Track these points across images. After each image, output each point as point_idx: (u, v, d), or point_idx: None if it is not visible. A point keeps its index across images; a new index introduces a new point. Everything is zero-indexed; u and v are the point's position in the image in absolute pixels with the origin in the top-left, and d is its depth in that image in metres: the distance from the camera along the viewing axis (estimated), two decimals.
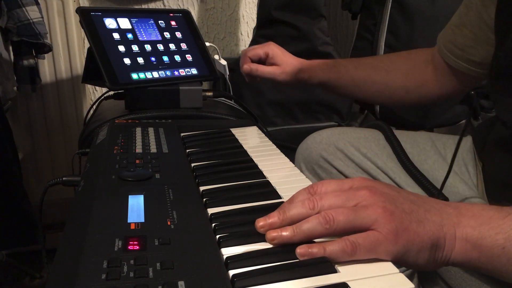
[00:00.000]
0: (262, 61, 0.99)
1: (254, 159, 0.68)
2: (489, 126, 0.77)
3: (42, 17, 1.32)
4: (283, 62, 0.96)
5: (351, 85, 0.94)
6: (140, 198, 0.50)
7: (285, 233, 0.43)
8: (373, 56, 0.96)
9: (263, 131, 0.88)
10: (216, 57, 1.25)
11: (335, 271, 0.40)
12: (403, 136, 0.86)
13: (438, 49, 0.85)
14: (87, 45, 1.36)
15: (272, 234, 0.43)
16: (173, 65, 1.02)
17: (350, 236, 0.42)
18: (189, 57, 1.06)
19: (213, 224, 0.48)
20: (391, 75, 0.91)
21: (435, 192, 0.74)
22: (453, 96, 0.91)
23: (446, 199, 0.74)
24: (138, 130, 0.78)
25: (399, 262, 0.43)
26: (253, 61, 0.99)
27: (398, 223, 0.42)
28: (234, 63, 1.53)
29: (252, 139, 0.82)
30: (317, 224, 0.43)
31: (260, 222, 0.44)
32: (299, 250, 0.42)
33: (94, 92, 1.66)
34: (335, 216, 0.42)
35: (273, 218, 0.45)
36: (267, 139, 0.81)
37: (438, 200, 0.48)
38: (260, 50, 0.98)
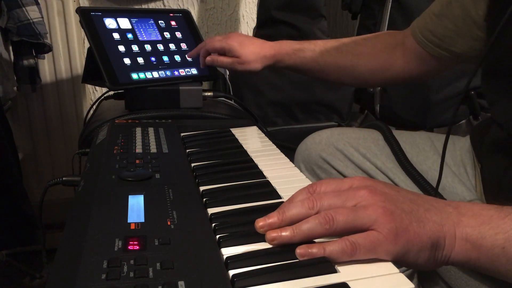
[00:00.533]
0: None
1: (254, 159, 0.68)
2: (486, 127, 0.77)
3: (42, 17, 1.32)
4: (242, 54, 0.97)
5: (317, 69, 0.96)
6: (140, 198, 0.50)
7: (285, 233, 0.43)
8: (339, 39, 0.96)
9: (263, 131, 0.88)
10: None
11: (335, 271, 0.40)
12: (402, 136, 0.86)
13: (413, 34, 0.85)
14: (87, 45, 1.36)
15: (271, 234, 0.43)
16: (173, 65, 1.02)
17: (350, 236, 0.42)
18: (189, 57, 1.06)
19: (213, 224, 0.48)
20: (358, 58, 0.92)
21: (433, 192, 0.74)
22: (419, 79, 0.94)
23: (443, 199, 0.74)
24: (138, 130, 0.78)
25: (399, 262, 0.43)
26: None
27: (398, 223, 0.42)
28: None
29: (252, 139, 0.82)
30: (317, 224, 0.43)
31: (260, 223, 0.44)
32: (299, 250, 0.42)
33: (94, 92, 1.66)
34: (334, 216, 0.42)
35: (273, 218, 0.44)
36: (267, 139, 0.81)
37: (438, 199, 0.47)
38: (217, 44, 0.99)
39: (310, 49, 0.95)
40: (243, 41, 0.99)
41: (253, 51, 0.97)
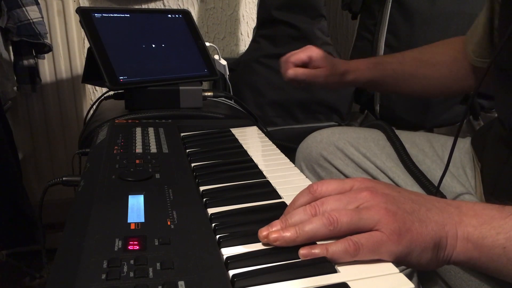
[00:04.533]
0: (305, 65, 0.95)
1: (254, 159, 0.68)
2: (488, 128, 0.77)
3: (42, 17, 1.32)
4: (328, 64, 0.92)
5: (397, 81, 0.93)
6: (140, 198, 0.50)
7: (288, 234, 0.43)
8: (415, 49, 0.94)
9: (263, 131, 0.88)
10: (216, 57, 1.25)
11: (335, 271, 0.40)
12: (402, 136, 0.86)
13: (465, 45, 0.84)
14: (87, 45, 1.36)
15: (274, 235, 0.43)
16: (173, 65, 1.02)
17: (353, 237, 0.42)
18: (189, 57, 1.06)
19: (213, 224, 0.48)
20: (437, 68, 0.90)
21: (434, 190, 0.74)
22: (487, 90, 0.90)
23: (444, 197, 0.74)
24: (138, 130, 0.78)
25: (401, 263, 0.43)
26: (296, 66, 0.95)
27: (401, 224, 0.42)
28: (234, 63, 1.53)
29: (252, 139, 0.82)
30: (320, 226, 0.43)
31: (263, 232, 0.44)
32: (302, 251, 0.42)
33: (94, 92, 1.66)
34: (338, 217, 0.42)
35: (276, 227, 0.44)
36: (267, 139, 0.81)
37: (439, 198, 0.47)
38: (302, 54, 0.94)
39: (388, 61, 0.93)
40: (325, 53, 0.94)
41: (336, 63, 0.93)
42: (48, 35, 1.37)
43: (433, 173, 0.81)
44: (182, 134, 0.82)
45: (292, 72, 0.93)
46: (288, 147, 0.90)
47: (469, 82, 0.88)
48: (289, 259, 0.41)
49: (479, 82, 0.67)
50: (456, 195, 0.77)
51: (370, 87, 0.96)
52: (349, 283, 0.38)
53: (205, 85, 1.50)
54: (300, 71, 0.93)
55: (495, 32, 0.77)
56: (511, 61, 0.65)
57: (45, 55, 1.42)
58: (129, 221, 0.45)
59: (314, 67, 0.93)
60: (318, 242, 0.43)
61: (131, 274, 0.37)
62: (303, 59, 0.94)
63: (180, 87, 0.97)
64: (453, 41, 0.92)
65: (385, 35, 1.41)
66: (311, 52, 0.93)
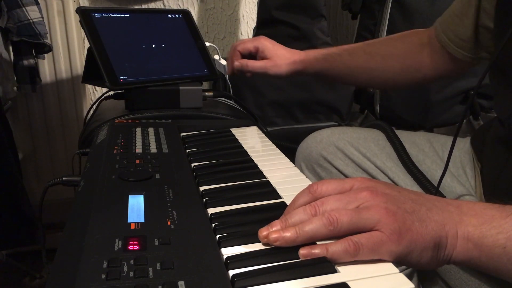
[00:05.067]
0: (253, 55, 0.97)
1: (254, 159, 0.68)
2: (487, 128, 0.77)
3: (42, 17, 1.32)
4: (274, 55, 0.94)
5: (347, 73, 0.94)
6: (140, 198, 0.50)
7: (288, 234, 0.43)
8: (367, 42, 0.94)
9: (263, 131, 0.88)
10: (216, 57, 1.25)
11: (335, 271, 0.40)
12: (402, 136, 0.86)
13: (436, 34, 0.84)
14: (87, 45, 1.36)
15: (274, 235, 0.43)
16: (173, 65, 1.02)
17: (353, 236, 0.42)
18: (189, 57, 1.06)
19: (213, 224, 0.48)
20: (387, 60, 0.91)
21: (433, 190, 0.74)
22: (447, 77, 0.92)
23: (443, 197, 0.74)
24: (138, 130, 0.78)
25: (401, 262, 0.43)
26: (243, 56, 0.97)
27: (401, 223, 0.42)
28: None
29: (252, 139, 0.82)
30: (321, 226, 0.43)
31: (263, 232, 0.44)
32: (302, 251, 0.42)
33: (94, 92, 1.66)
34: (338, 217, 0.42)
35: (276, 227, 0.44)
36: (267, 139, 0.81)
37: (439, 198, 0.47)
38: (250, 44, 0.96)
39: (338, 53, 0.93)
40: (275, 44, 0.96)
41: (285, 54, 0.94)
42: (48, 35, 1.37)
43: (433, 173, 0.81)
44: (182, 134, 0.82)
45: (238, 63, 0.95)
46: (288, 147, 0.90)
47: (422, 75, 0.89)
48: (289, 259, 0.41)
49: (479, 83, 0.67)
50: (456, 195, 0.77)
51: (319, 78, 0.97)
52: (349, 283, 0.38)
53: (205, 85, 1.50)
54: (245, 62, 0.95)
55: (480, 28, 0.76)
56: (509, 61, 0.65)
57: (45, 55, 1.41)
58: (129, 221, 0.45)
59: (260, 58, 0.95)
60: (318, 242, 0.43)
61: (131, 274, 0.37)
62: (250, 49, 0.96)
63: (180, 87, 0.97)
64: (410, 33, 0.92)
65: (385, 35, 1.41)
66: (258, 43, 0.95)
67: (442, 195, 0.74)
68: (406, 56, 0.89)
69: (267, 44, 0.95)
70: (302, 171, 0.65)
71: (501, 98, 0.69)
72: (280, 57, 0.94)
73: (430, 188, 0.75)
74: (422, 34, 0.90)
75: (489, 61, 0.66)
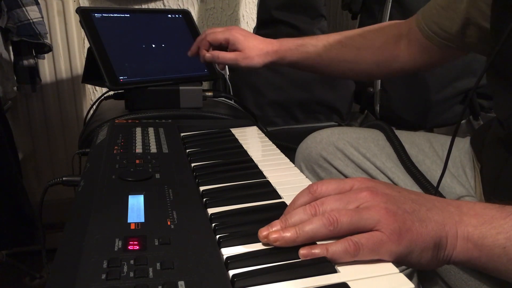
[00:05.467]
0: (224, 46, 0.96)
1: (254, 159, 0.68)
2: (487, 128, 0.77)
3: (42, 17, 1.32)
4: (245, 47, 0.92)
5: (321, 64, 0.93)
6: (140, 198, 0.50)
7: (288, 234, 0.43)
8: (344, 33, 0.93)
9: (263, 131, 0.88)
10: None
11: (335, 271, 0.40)
12: (402, 136, 0.86)
13: (418, 26, 0.84)
14: (87, 45, 1.36)
15: (274, 235, 0.43)
16: (173, 65, 1.02)
17: (353, 237, 0.42)
18: (189, 57, 1.06)
19: (213, 224, 0.48)
20: (362, 52, 0.90)
21: (433, 191, 0.74)
22: (424, 70, 0.92)
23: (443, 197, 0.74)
24: (138, 130, 0.78)
25: (401, 262, 0.43)
26: (214, 47, 0.96)
27: (401, 224, 0.42)
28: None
29: (252, 139, 0.82)
30: (321, 226, 0.43)
31: (263, 232, 0.44)
32: (302, 251, 0.42)
33: (94, 92, 1.66)
34: (338, 217, 0.42)
35: (276, 227, 0.44)
36: (267, 139, 0.81)
37: (439, 198, 0.47)
38: (220, 35, 0.94)
39: (313, 44, 0.93)
40: (247, 35, 0.94)
41: (257, 45, 0.93)
42: (48, 35, 1.37)
43: (433, 173, 0.81)
44: (182, 134, 0.82)
45: (209, 55, 0.94)
46: (288, 147, 0.90)
47: (398, 66, 0.89)
48: (289, 259, 0.41)
49: (477, 82, 0.67)
50: (456, 196, 0.77)
51: (293, 67, 0.97)
52: (349, 283, 0.38)
53: (205, 85, 1.50)
54: (216, 53, 0.93)
55: (470, 26, 0.76)
56: (506, 62, 0.65)
57: (45, 55, 1.41)
58: (129, 221, 0.45)
59: (232, 50, 0.93)
60: (318, 242, 0.43)
61: (131, 274, 0.37)
62: (220, 41, 0.94)
63: (180, 87, 0.97)
64: (388, 25, 0.92)
65: None
66: (229, 35, 0.93)
67: (441, 195, 0.74)
68: (382, 48, 0.89)
69: (238, 36, 0.93)
70: (301, 171, 0.65)
71: (500, 99, 0.69)
72: (252, 49, 0.93)
73: (430, 188, 0.75)
74: (400, 26, 0.90)
75: (486, 61, 0.65)
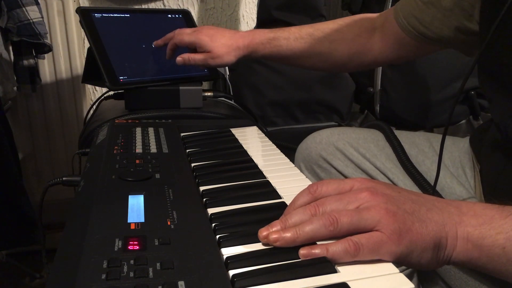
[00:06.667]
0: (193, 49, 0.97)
1: (254, 159, 0.68)
2: (486, 129, 0.77)
3: (42, 17, 1.32)
4: (213, 47, 0.93)
5: (293, 57, 0.94)
6: (140, 198, 0.50)
7: (288, 234, 0.43)
8: (316, 26, 0.94)
9: (263, 131, 0.88)
10: None
11: (335, 271, 0.40)
12: (401, 136, 0.86)
13: (396, 18, 0.84)
14: (87, 45, 1.36)
15: (274, 235, 0.43)
16: (173, 65, 1.02)
17: (353, 237, 0.42)
18: None
19: (213, 224, 0.48)
20: (334, 44, 0.91)
21: (431, 191, 0.74)
22: (396, 62, 0.93)
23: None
24: (138, 130, 0.78)
25: (401, 263, 0.43)
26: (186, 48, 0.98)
27: (401, 224, 0.42)
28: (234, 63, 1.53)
29: (252, 139, 0.82)
30: (321, 226, 0.43)
31: (263, 232, 0.44)
32: (302, 251, 0.42)
33: (94, 92, 1.66)
34: (338, 217, 0.42)
35: (276, 227, 0.44)
36: (267, 139, 0.81)
37: (439, 198, 0.47)
38: (186, 39, 0.95)
39: (284, 37, 0.93)
40: (214, 34, 0.95)
41: (225, 43, 0.94)
42: (48, 35, 1.37)
43: (433, 174, 0.80)
44: (182, 134, 0.82)
45: (180, 59, 0.95)
46: (288, 147, 0.90)
47: (371, 59, 0.89)
48: (289, 259, 0.41)
49: (463, 82, 0.67)
50: (455, 197, 0.77)
51: (267, 60, 0.98)
52: (349, 283, 0.38)
53: (205, 85, 1.50)
54: (187, 56, 0.94)
55: (454, 28, 0.76)
56: (496, 65, 0.65)
57: (45, 55, 1.41)
58: (129, 221, 0.45)
59: (201, 51, 0.94)
60: (318, 242, 0.43)
61: (131, 274, 0.37)
62: (186, 44, 0.95)
63: (180, 87, 0.97)
64: (361, 18, 0.93)
65: None
66: (195, 39, 0.94)
67: (439, 195, 0.74)
68: (355, 40, 0.90)
69: (203, 38, 0.94)
70: (301, 171, 0.65)
71: (495, 103, 0.69)
72: (220, 48, 0.93)
73: (429, 189, 0.75)
74: (374, 19, 0.91)
75: (473, 62, 0.65)
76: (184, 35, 0.96)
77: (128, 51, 0.97)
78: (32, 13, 1.28)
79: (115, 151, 0.66)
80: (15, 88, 1.39)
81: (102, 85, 0.99)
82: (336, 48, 0.91)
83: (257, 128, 0.89)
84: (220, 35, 0.95)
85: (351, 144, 0.86)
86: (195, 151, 0.73)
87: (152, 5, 1.63)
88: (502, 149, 0.68)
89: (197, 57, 0.94)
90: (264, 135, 0.85)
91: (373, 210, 0.43)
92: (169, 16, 1.10)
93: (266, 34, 0.95)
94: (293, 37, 0.93)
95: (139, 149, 0.68)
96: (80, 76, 1.48)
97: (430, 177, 0.79)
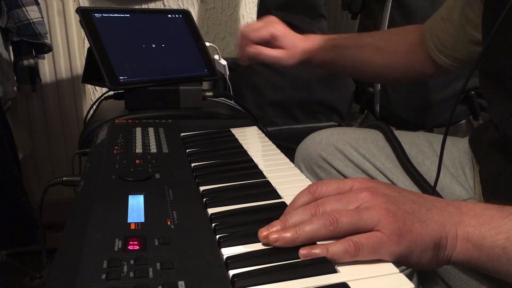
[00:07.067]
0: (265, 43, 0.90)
1: (254, 159, 0.68)
2: (485, 129, 0.77)
3: (42, 17, 1.32)
4: (291, 45, 0.87)
5: (353, 66, 0.92)
6: (140, 198, 0.50)
7: (288, 234, 0.43)
8: (372, 34, 0.92)
9: (263, 131, 0.88)
10: (216, 57, 1.25)
11: (335, 271, 0.40)
12: (401, 136, 0.86)
13: (423, 37, 0.84)
14: (87, 45, 1.36)
15: (274, 235, 0.43)
16: (173, 65, 1.02)
17: (353, 237, 0.42)
18: (189, 57, 1.06)
19: (213, 224, 0.48)
20: (392, 56, 0.90)
21: (431, 192, 0.74)
22: (437, 77, 0.91)
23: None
24: (138, 130, 0.78)
25: (402, 263, 0.43)
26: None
27: (401, 224, 0.42)
28: (234, 63, 1.53)
29: (252, 139, 0.82)
30: (321, 226, 0.43)
31: (263, 232, 0.44)
32: (302, 251, 0.42)
33: (94, 92, 1.66)
34: (338, 217, 0.42)
35: (276, 227, 0.44)
36: (267, 139, 0.81)
37: (439, 198, 0.47)
38: (264, 31, 0.87)
39: (345, 45, 0.90)
40: (286, 29, 0.89)
41: (296, 43, 0.89)
42: (48, 35, 1.37)
43: (433, 174, 0.80)
44: (182, 134, 0.82)
45: (254, 50, 0.87)
46: (288, 147, 0.90)
47: (425, 71, 0.88)
48: (289, 259, 0.41)
49: (463, 86, 0.67)
50: (455, 197, 0.77)
51: (323, 67, 0.93)
52: (349, 283, 0.38)
53: (205, 85, 1.50)
54: (260, 50, 0.87)
55: (464, 39, 0.77)
56: (496, 66, 0.65)
57: (45, 55, 1.42)
58: (129, 221, 0.45)
59: (276, 46, 0.88)
60: (318, 242, 0.43)
61: (131, 274, 0.37)
62: (265, 38, 0.88)
63: (180, 87, 0.97)
64: (408, 30, 0.91)
65: None
66: (274, 29, 0.88)
67: (439, 195, 0.74)
68: (409, 52, 0.89)
69: (283, 31, 0.87)
70: (301, 171, 0.65)
71: (493, 103, 0.69)
72: (294, 47, 0.88)
73: (428, 189, 0.75)
74: (419, 31, 0.89)
75: (474, 62, 0.66)
76: (260, 29, 0.87)
77: (128, 51, 0.97)
78: (32, 13, 1.28)
79: (115, 151, 0.66)
80: (15, 88, 1.39)
81: (102, 85, 0.99)
82: (393, 60, 0.89)
83: (257, 128, 0.89)
84: (291, 32, 0.89)
85: (351, 144, 0.86)
86: (195, 151, 0.73)
87: (152, 5, 1.63)
88: (502, 149, 0.68)
89: (272, 53, 0.87)
90: (264, 135, 0.85)
91: (373, 210, 0.43)
92: (169, 16, 1.10)
93: (327, 40, 0.91)
94: (354, 46, 0.90)
95: (139, 149, 0.68)
96: (80, 76, 1.48)
97: (430, 177, 0.79)
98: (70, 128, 1.55)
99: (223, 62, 1.23)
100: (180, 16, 1.11)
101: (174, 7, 1.65)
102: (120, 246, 0.40)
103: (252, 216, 0.50)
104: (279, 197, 0.55)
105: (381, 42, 0.92)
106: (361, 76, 0.95)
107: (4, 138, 1.19)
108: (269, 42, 0.89)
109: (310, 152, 0.89)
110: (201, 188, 0.57)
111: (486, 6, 0.67)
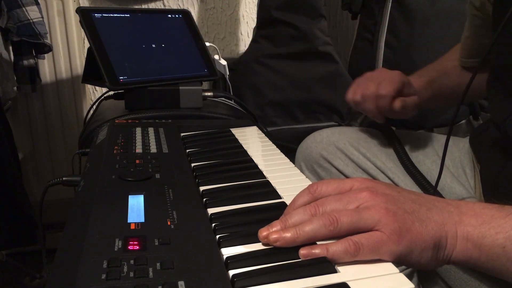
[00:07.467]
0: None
1: (254, 159, 0.68)
2: (485, 129, 0.77)
3: (42, 17, 1.32)
4: (415, 90, 0.81)
5: (448, 95, 0.88)
6: (140, 198, 0.50)
7: (288, 234, 0.43)
8: (450, 57, 0.89)
9: (263, 131, 0.88)
10: (216, 57, 1.25)
11: (335, 271, 0.40)
12: (402, 136, 0.86)
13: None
14: (87, 45, 1.36)
15: (274, 235, 0.43)
16: (173, 65, 1.02)
17: (353, 237, 0.42)
18: (189, 57, 1.06)
19: (213, 224, 0.48)
20: (465, 74, 0.86)
21: (432, 191, 0.74)
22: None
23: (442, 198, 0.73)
24: (138, 130, 0.78)
25: (401, 262, 0.43)
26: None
27: (401, 224, 0.42)
28: (234, 63, 1.53)
29: (252, 139, 0.82)
30: (321, 226, 0.43)
31: (263, 232, 0.44)
32: (302, 251, 0.42)
33: (94, 92, 1.66)
34: (338, 217, 0.42)
35: (276, 227, 0.44)
36: (267, 139, 0.81)
37: (439, 198, 0.47)
38: (393, 83, 0.79)
39: (437, 77, 0.87)
40: (408, 79, 0.83)
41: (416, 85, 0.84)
42: (48, 35, 1.37)
43: (433, 174, 0.81)
44: (182, 134, 0.82)
45: (400, 104, 0.78)
46: (288, 147, 0.90)
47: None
48: (289, 259, 0.41)
49: (469, 83, 0.67)
50: (456, 196, 0.77)
51: (424, 106, 0.86)
52: (349, 283, 0.38)
53: (205, 85, 1.50)
54: (406, 105, 0.79)
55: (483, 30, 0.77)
56: (501, 65, 0.65)
57: (45, 55, 1.42)
58: (129, 221, 0.45)
59: (407, 95, 0.80)
60: (318, 242, 0.43)
61: (131, 274, 0.37)
62: (399, 88, 0.79)
63: (180, 87, 0.97)
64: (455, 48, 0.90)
65: (385, 35, 1.41)
66: (404, 78, 0.81)
67: (440, 195, 0.74)
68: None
69: (408, 78, 0.82)
70: (302, 171, 0.65)
71: (495, 103, 0.69)
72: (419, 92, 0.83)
73: (429, 188, 0.75)
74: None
75: (479, 62, 0.66)
76: (393, 83, 0.78)
77: (128, 51, 0.97)
78: (32, 13, 1.28)
79: (115, 151, 0.66)
80: (15, 88, 1.39)
81: (102, 85, 0.99)
82: (467, 78, 0.85)
83: (257, 128, 0.89)
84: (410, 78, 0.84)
85: (351, 144, 0.86)
86: (195, 151, 0.73)
87: (152, 5, 1.63)
88: (502, 149, 0.68)
89: (413, 100, 0.80)
90: (264, 135, 0.85)
91: (373, 209, 0.43)
92: (169, 16, 1.10)
93: (421, 78, 0.85)
94: (443, 73, 0.87)
95: (139, 149, 0.68)
96: (80, 76, 1.49)
97: (430, 176, 0.79)
98: (70, 128, 1.55)
99: (223, 62, 1.23)
100: (180, 16, 1.11)
101: (174, 7, 1.65)
102: (120, 246, 0.40)
103: (252, 216, 0.50)
104: (279, 197, 0.55)
105: (455, 61, 0.89)
106: (453, 103, 0.90)
107: (4, 138, 1.19)
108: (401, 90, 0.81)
109: (311, 151, 0.89)
110: (201, 188, 0.57)
111: (494, 6, 0.68)
